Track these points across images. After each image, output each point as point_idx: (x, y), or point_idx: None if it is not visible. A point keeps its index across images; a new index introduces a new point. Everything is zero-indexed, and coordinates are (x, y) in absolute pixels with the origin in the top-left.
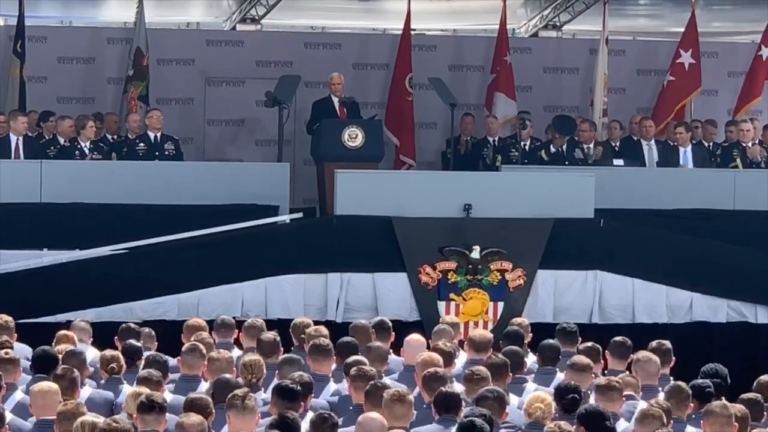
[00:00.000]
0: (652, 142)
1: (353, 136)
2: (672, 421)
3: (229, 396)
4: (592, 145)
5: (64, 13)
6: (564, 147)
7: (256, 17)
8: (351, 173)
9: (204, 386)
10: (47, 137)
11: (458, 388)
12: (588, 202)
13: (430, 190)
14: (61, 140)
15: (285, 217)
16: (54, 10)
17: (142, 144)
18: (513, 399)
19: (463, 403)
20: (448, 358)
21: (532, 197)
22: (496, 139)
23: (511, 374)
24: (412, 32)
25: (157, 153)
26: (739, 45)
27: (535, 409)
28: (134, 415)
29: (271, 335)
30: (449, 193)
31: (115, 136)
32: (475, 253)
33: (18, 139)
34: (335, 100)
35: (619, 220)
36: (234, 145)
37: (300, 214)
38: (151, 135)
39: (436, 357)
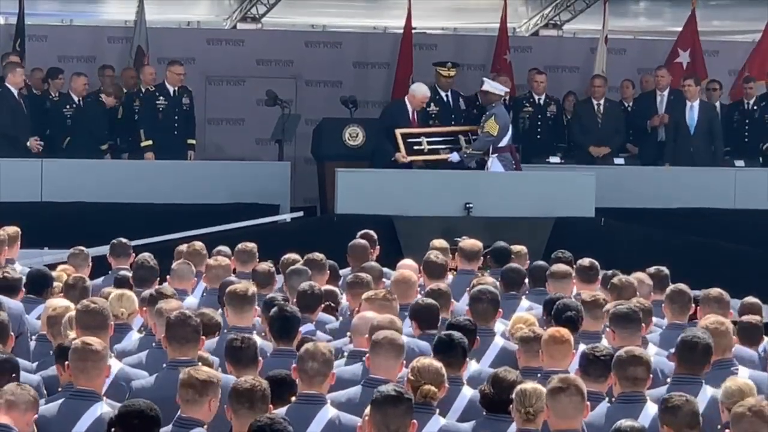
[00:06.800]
0: (666, 92)
1: (354, 135)
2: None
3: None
4: (602, 102)
5: (64, 10)
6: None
7: (257, 16)
8: (352, 172)
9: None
10: (53, 95)
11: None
12: (589, 201)
13: (431, 189)
14: (75, 98)
15: (286, 216)
16: (54, 8)
17: (162, 98)
18: (500, 326)
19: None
20: (440, 270)
21: (532, 196)
22: None
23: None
24: (413, 31)
25: (176, 109)
26: (739, 44)
27: (517, 330)
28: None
29: (266, 266)
30: (450, 192)
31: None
32: None
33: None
34: (410, 108)
35: (620, 220)
36: (235, 144)
37: (301, 213)
38: (170, 89)
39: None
